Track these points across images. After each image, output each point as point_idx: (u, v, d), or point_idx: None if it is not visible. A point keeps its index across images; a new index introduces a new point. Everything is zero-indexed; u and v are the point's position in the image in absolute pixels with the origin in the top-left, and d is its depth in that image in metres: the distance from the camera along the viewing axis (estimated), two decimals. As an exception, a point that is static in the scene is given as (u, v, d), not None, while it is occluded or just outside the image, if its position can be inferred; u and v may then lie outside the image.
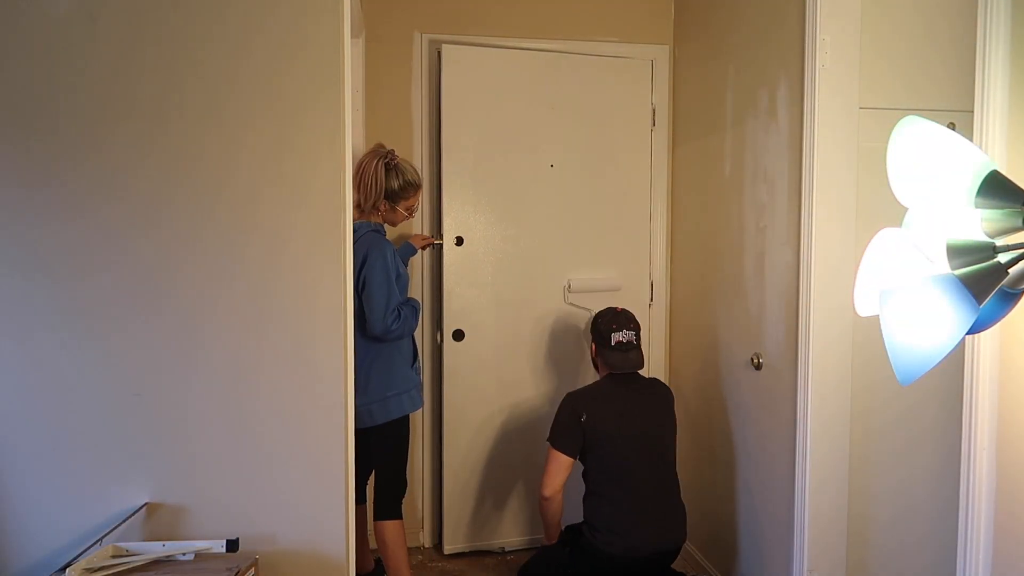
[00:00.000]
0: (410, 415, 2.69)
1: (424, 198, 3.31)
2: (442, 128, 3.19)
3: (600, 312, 2.83)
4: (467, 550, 3.33)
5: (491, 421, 3.33)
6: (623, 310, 2.80)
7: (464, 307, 3.26)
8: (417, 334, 3.30)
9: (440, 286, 3.26)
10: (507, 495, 3.38)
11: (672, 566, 2.67)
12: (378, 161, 2.60)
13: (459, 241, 3.22)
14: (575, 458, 2.64)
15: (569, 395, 2.72)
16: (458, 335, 3.25)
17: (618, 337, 2.70)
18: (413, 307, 2.64)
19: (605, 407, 2.65)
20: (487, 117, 3.21)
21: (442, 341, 3.26)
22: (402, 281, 2.61)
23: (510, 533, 3.38)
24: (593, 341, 2.81)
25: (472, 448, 3.31)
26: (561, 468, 2.63)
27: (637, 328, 2.76)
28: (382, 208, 2.65)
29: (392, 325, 2.50)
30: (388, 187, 2.62)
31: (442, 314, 3.24)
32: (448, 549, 3.31)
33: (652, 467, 2.64)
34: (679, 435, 2.81)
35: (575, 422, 2.62)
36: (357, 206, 2.58)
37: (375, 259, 2.50)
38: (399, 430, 2.66)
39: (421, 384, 2.73)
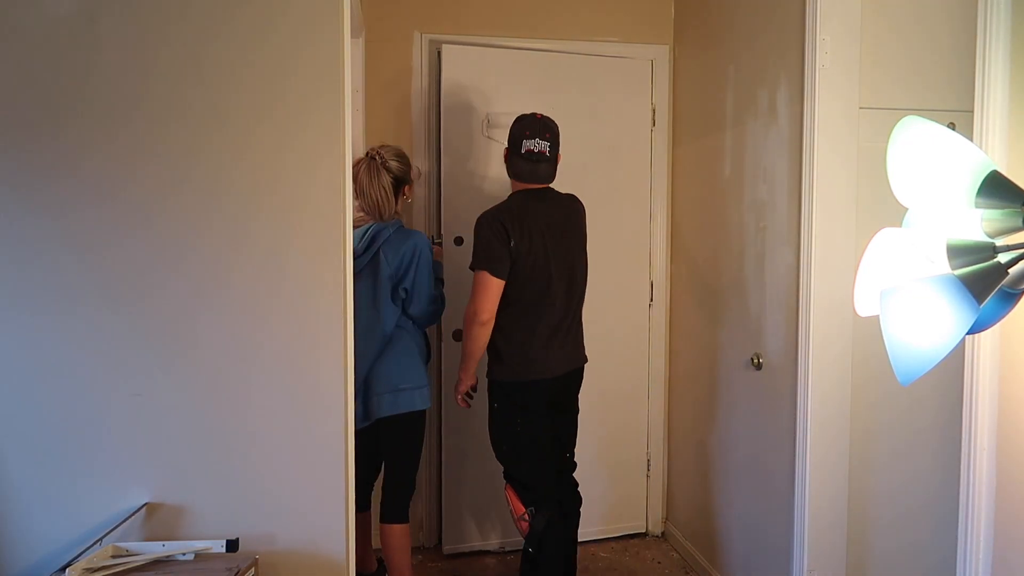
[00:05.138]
0: (425, 416, 2.69)
1: (424, 197, 3.31)
2: (442, 128, 3.19)
3: (521, 115, 2.62)
4: (467, 550, 3.33)
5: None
6: (543, 117, 2.59)
7: (465, 307, 3.24)
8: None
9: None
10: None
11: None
12: (366, 166, 2.56)
13: (459, 241, 3.22)
14: (504, 281, 2.50)
15: (489, 217, 2.53)
16: (458, 335, 3.25)
17: (528, 145, 2.52)
18: (442, 293, 2.73)
19: (528, 231, 2.51)
20: (487, 116, 3.21)
21: (442, 341, 3.25)
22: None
23: (510, 533, 3.38)
24: (507, 145, 2.62)
25: (471, 448, 3.30)
26: (494, 292, 2.48)
27: (554, 139, 2.56)
28: (400, 203, 2.65)
29: (435, 307, 2.63)
30: (396, 178, 2.59)
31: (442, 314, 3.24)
32: (447, 549, 3.31)
33: (567, 291, 2.61)
34: (677, 435, 2.81)
35: (504, 245, 2.47)
36: (379, 215, 2.57)
37: (425, 245, 2.58)
38: (413, 427, 2.64)
39: (429, 384, 2.73)
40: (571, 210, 2.70)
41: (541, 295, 2.56)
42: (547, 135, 2.56)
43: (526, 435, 2.62)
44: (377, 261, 2.51)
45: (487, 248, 2.49)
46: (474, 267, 2.52)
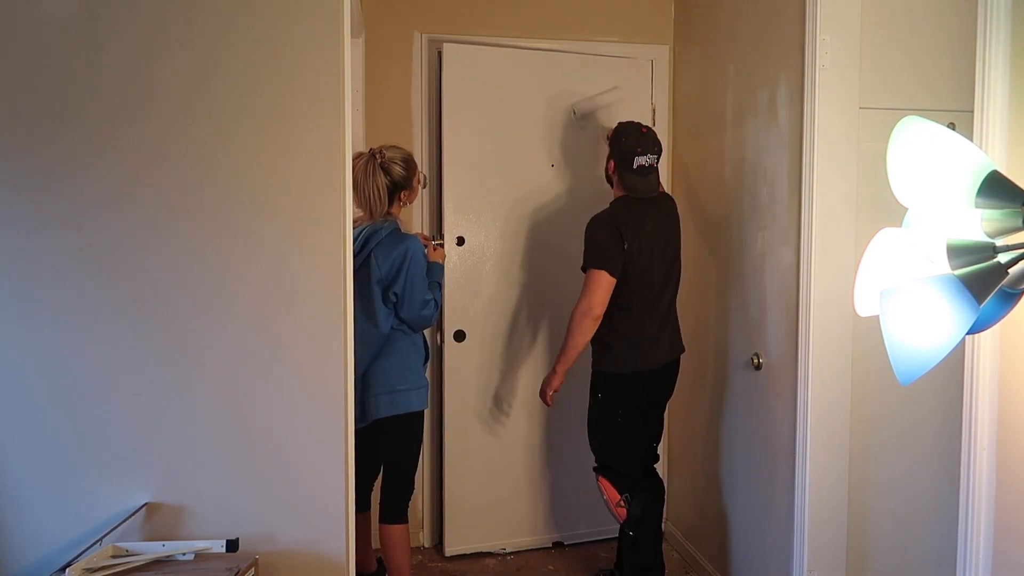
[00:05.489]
0: (423, 416, 2.69)
1: (424, 197, 3.31)
2: (443, 127, 3.18)
3: (624, 126, 2.74)
4: (468, 552, 3.33)
5: (492, 422, 3.33)
6: (649, 129, 2.72)
7: (465, 307, 3.26)
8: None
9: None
10: (508, 496, 3.37)
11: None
12: (367, 163, 2.53)
13: (460, 241, 3.22)
14: (616, 280, 2.61)
15: (604, 220, 2.67)
16: (459, 335, 3.25)
17: (641, 161, 2.64)
18: (436, 296, 2.67)
19: (640, 234, 2.63)
20: (488, 116, 3.21)
21: (443, 342, 3.26)
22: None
23: (510, 534, 3.38)
24: (611, 158, 2.74)
25: (473, 449, 3.30)
26: (606, 288, 2.60)
27: (660, 151, 2.71)
28: (396, 205, 2.61)
29: (427, 312, 2.59)
30: (393, 182, 2.56)
31: (443, 315, 3.23)
32: (449, 551, 3.30)
33: (670, 286, 2.75)
34: (677, 435, 2.81)
35: (619, 246, 2.60)
36: (370, 213, 2.55)
37: (418, 249, 2.56)
38: (412, 427, 2.64)
39: (428, 385, 2.72)
40: (671, 212, 2.81)
41: (648, 292, 2.69)
42: (656, 148, 2.69)
43: (625, 426, 2.74)
44: (368, 264, 2.50)
45: (604, 248, 2.62)
46: (590, 266, 2.64)
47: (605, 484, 2.76)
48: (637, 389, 2.74)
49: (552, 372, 2.77)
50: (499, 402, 3.33)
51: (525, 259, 3.32)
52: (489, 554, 3.34)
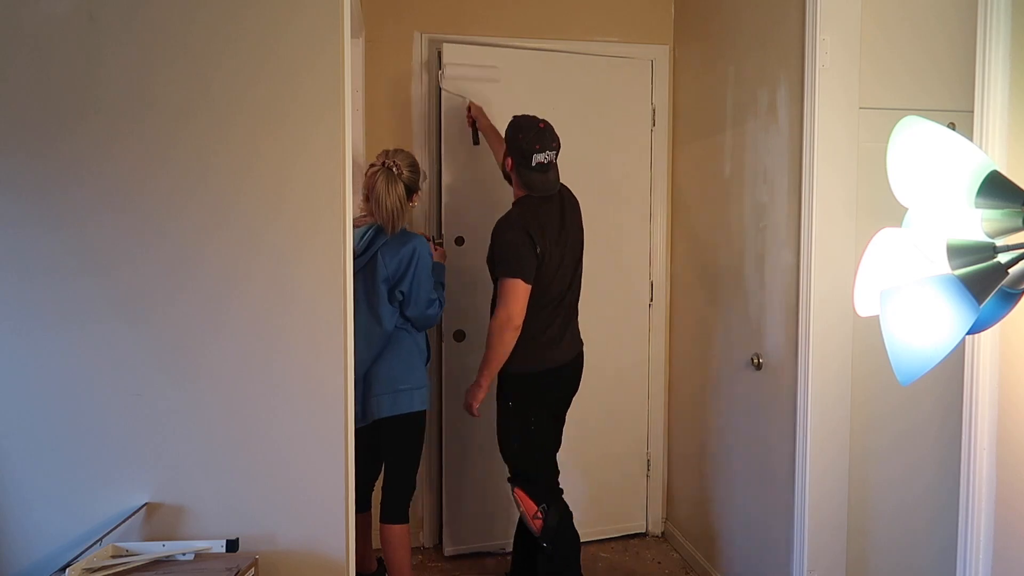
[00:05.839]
0: (426, 416, 2.69)
1: (425, 197, 3.31)
2: (442, 127, 3.19)
3: (519, 120, 2.61)
4: (467, 552, 3.33)
5: (491, 422, 3.32)
6: (547, 124, 2.59)
7: (465, 307, 3.24)
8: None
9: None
10: (507, 495, 3.36)
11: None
12: (383, 176, 2.51)
13: (460, 241, 3.21)
14: (531, 285, 2.54)
15: (512, 224, 2.56)
16: (459, 335, 3.25)
17: (540, 158, 2.53)
18: (440, 296, 2.70)
19: (548, 236, 2.56)
20: (487, 115, 3.18)
21: (443, 341, 3.25)
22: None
23: (510, 534, 3.37)
24: (509, 155, 2.61)
25: (472, 449, 3.30)
26: (524, 296, 2.52)
27: (559, 146, 2.60)
28: (408, 212, 2.62)
29: (433, 311, 2.62)
30: (407, 190, 2.56)
31: (442, 314, 3.22)
32: (448, 551, 3.31)
33: (575, 283, 2.71)
34: (677, 435, 2.80)
35: (531, 252, 2.52)
36: (392, 226, 2.53)
37: (425, 249, 2.57)
38: (414, 427, 2.64)
39: (429, 385, 2.73)
40: (572, 205, 2.74)
41: (557, 293, 2.64)
42: (554, 144, 2.58)
43: (539, 431, 2.68)
44: (375, 263, 2.50)
45: (517, 256, 2.52)
46: (504, 275, 2.53)
47: (521, 495, 2.66)
48: (549, 387, 2.69)
49: (476, 385, 2.66)
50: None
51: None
52: (489, 554, 3.34)
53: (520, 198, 2.66)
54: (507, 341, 2.55)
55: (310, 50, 1.85)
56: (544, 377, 2.67)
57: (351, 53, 1.98)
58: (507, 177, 2.70)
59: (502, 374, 2.67)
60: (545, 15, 3.35)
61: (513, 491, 2.70)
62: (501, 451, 2.76)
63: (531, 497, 2.64)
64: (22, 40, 1.74)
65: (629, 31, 3.44)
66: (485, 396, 2.69)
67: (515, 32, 3.31)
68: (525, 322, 2.57)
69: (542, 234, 2.56)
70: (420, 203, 3.27)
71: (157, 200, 1.81)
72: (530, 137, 2.55)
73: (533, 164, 2.54)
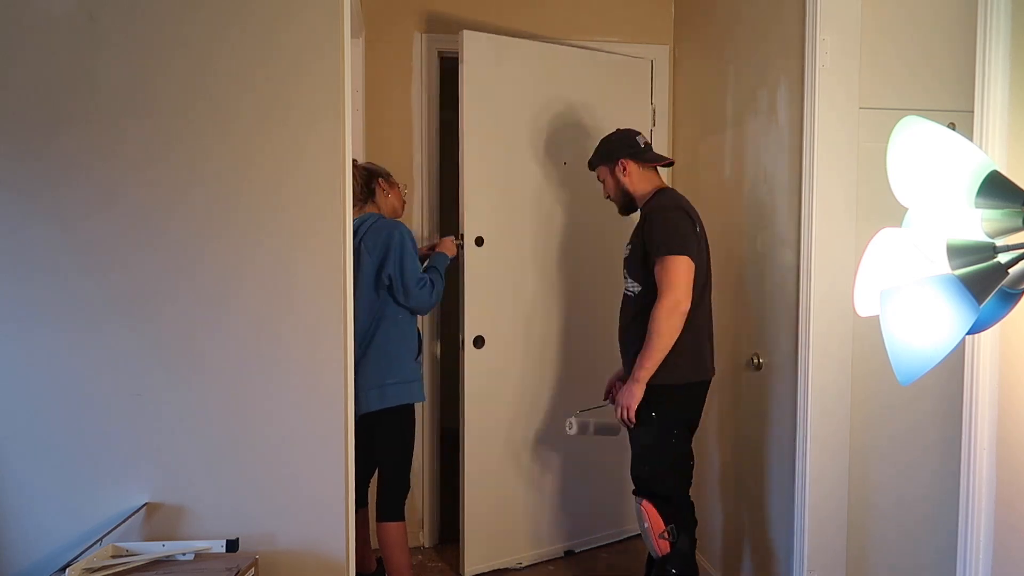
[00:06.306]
0: (415, 410, 2.68)
1: (425, 197, 3.31)
2: (462, 121, 3.02)
3: (604, 139, 2.59)
4: (486, 570, 3.17)
5: (513, 433, 3.18)
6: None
7: (484, 311, 3.10)
8: (430, 340, 3.31)
9: (459, 291, 3.07)
10: (528, 508, 3.25)
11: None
12: None
13: (479, 241, 3.06)
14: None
15: (669, 204, 2.38)
16: (478, 341, 3.09)
17: (640, 140, 2.53)
18: (432, 278, 2.64)
19: (700, 222, 2.40)
20: (499, 112, 3.09)
21: (462, 348, 3.10)
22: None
23: (526, 547, 3.26)
24: (619, 160, 2.49)
25: (493, 464, 3.15)
26: (690, 277, 2.28)
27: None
28: (378, 191, 2.69)
29: (426, 290, 2.58)
30: (367, 171, 2.68)
31: (462, 320, 3.07)
32: (469, 571, 3.12)
33: (710, 285, 2.46)
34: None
35: (692, 231, 2.33)
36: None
37: (405, 232, 2.58)
38: (402, 421, 2.63)
39: (422, 378, 2.72)
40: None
41: (706, 289, 2.42)
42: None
43: (680, 446, 2.44)
44: (359, 252, 2.51)
45: (680, 233, 2.30)
46: (669, 252, 2.28)
47: (650, 510, 2.37)
48: (696, 403, 2.45)
49: (634, 381, 2.32)
50: (519, 410, 3.20)
51: (542, 259, 3.22)
52: (506, 570, 3.22)
53: (662, 189, 2.50)
54: (675, 329, 2.27)
55: (310, 50, 1.85)
56: (696, 390, 2.43)
57: (351, 53, 1.98)
58: (626, 194, 2.53)
59: (650, 383, 2.33)
60: (545, 15, 3.35)
61: (640, 504, 2.41)
62: (636, 465, 2.47)
63: (660, 514, 2.39)
64: (22, 39, 1.75)
65: (629, 31, 3.44)
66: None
67: (515, 32, 3.31)
68: (688, 316, 2.31)
69: (697, 217, 2.39)
70: (420, 202, 3.29)
71: (157, 200, 1.82)
72: (621, 133, 2.58)
73: (643, 145, 2.52)
